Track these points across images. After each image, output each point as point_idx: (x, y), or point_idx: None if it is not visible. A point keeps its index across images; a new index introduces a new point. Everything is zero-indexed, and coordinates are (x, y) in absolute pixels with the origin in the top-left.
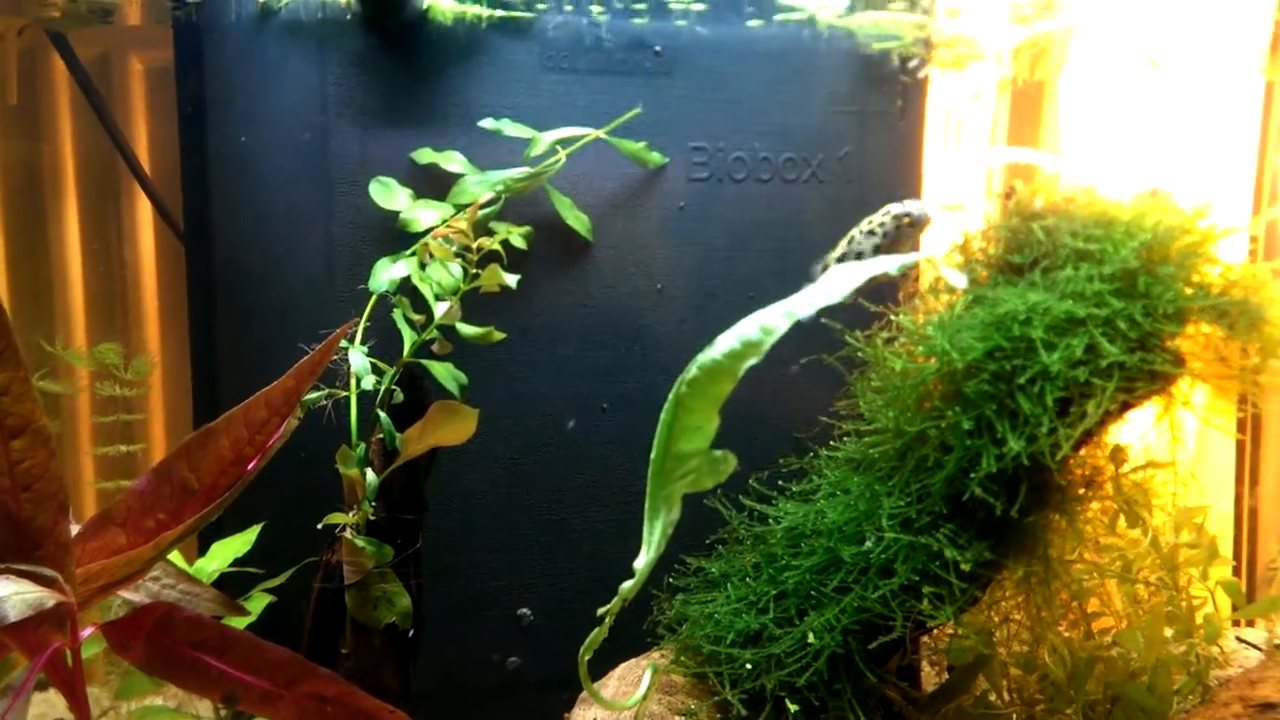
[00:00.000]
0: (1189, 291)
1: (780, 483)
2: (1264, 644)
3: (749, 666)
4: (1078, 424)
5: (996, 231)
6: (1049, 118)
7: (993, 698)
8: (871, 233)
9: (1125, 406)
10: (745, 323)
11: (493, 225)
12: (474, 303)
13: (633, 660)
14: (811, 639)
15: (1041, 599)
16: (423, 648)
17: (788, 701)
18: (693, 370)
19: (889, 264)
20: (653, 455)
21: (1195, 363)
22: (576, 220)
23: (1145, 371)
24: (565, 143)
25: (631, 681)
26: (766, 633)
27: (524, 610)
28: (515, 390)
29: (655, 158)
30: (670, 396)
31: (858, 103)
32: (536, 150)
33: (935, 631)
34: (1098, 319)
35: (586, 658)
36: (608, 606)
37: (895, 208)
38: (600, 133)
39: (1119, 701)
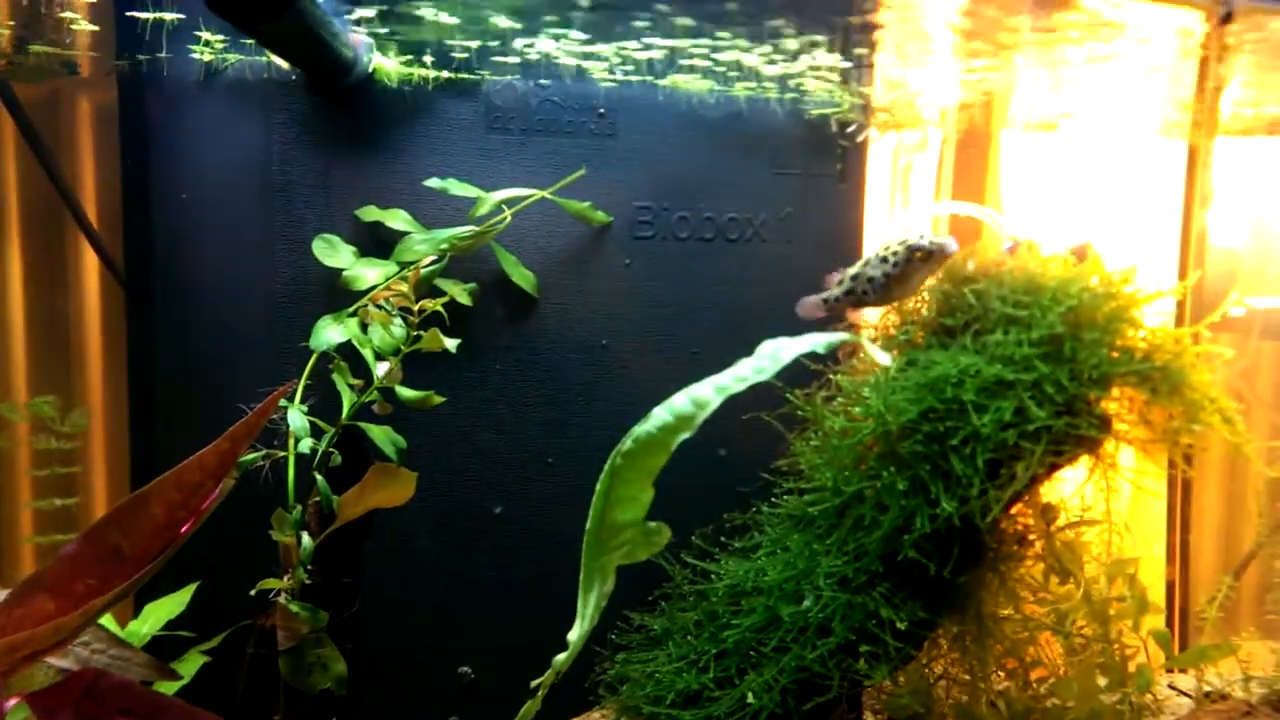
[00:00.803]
0: (1113, 356)
1: (723, 539)
2: (1194, 692)
3: None
4: (1007, 486)
5: (930, 294)
6: (995, 168)
7: None
8: (884, 259)
9: (1053, 468)
10: (678, 396)
11: (438, 282)
12: (418, 359)
13: None
14: (750, 699)
15: (975, 656)
16: (362, 708)
17: None
18: (627, 443)
19: (818, 341)
20: (588, 526)
21: (1121, 425)
22: (522, 277)
23: (1071, 435)
24: (511, 202)
25: None
26: (706, 693)
27: (464, 669)
28: (460, 445)
29: (600, 216)
30: (605, 468)
31: (798, 165)
32: (482, 210)
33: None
34: (1026, 383)
35: None
36: (540, 679)
37: (913, 238)
38: (545, 193)
39: None
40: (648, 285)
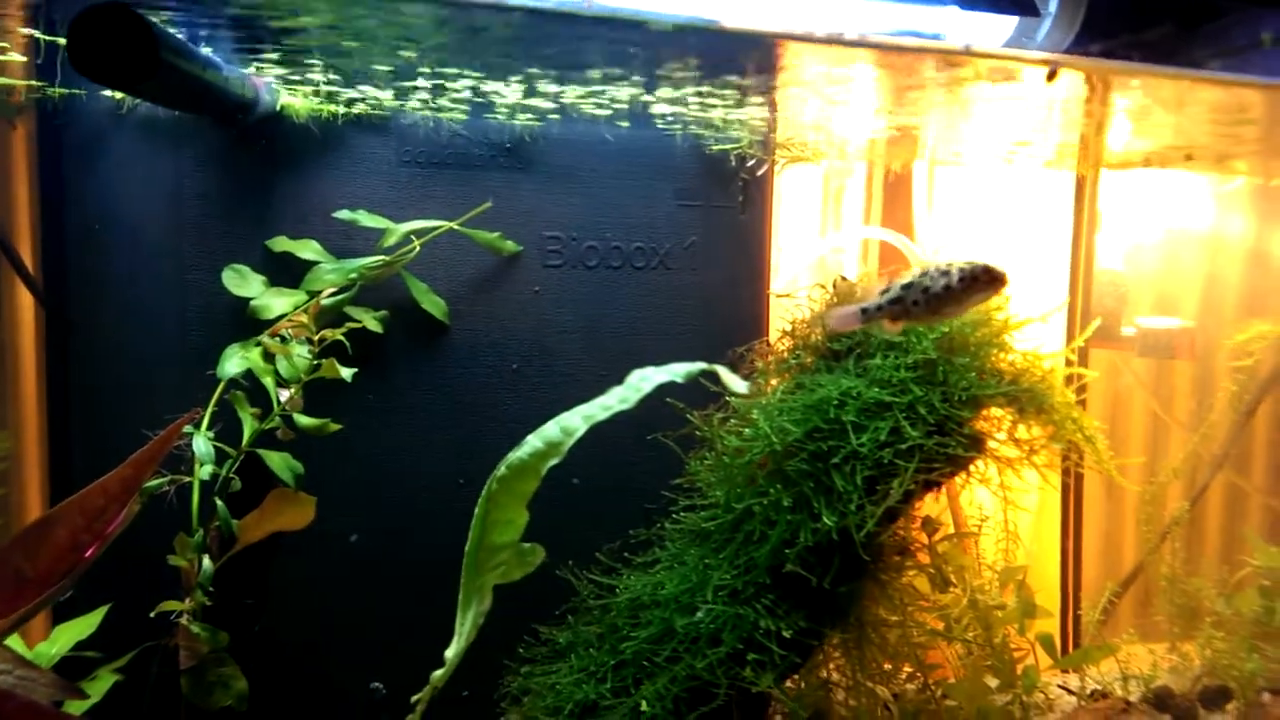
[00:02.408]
0: (982, 379)
1: (626, 554)
2: (1079, 691)
3: None
4: (882, 501)
5: (821, 319)
6: (910, 197)
7: None
8: (946, 273)
9: (928, 485)
10: (549, 425)
11: (349, 310)
12: (331, 386)
13: None
14: (644, 707)
15: (856, 661)
16: None
17: None
18: (502, 469)
19: (677, 370)
20: (467, 548)
21: (992, 442)
22: (433, 305)
23: (941, 453)
24: (420, 233)
25: None
26: (603, 702)
27: (376, 684)
28: (372, 468)
29: (510, 246)
30: (483, 492)
31: (701, 198)
32: (390, 240)
33: (790, 688)
34: (902, 404)
35: None
36: (420, 694)
37: (985, 260)
38: (454, 224)
39: None
40: (557, 312)
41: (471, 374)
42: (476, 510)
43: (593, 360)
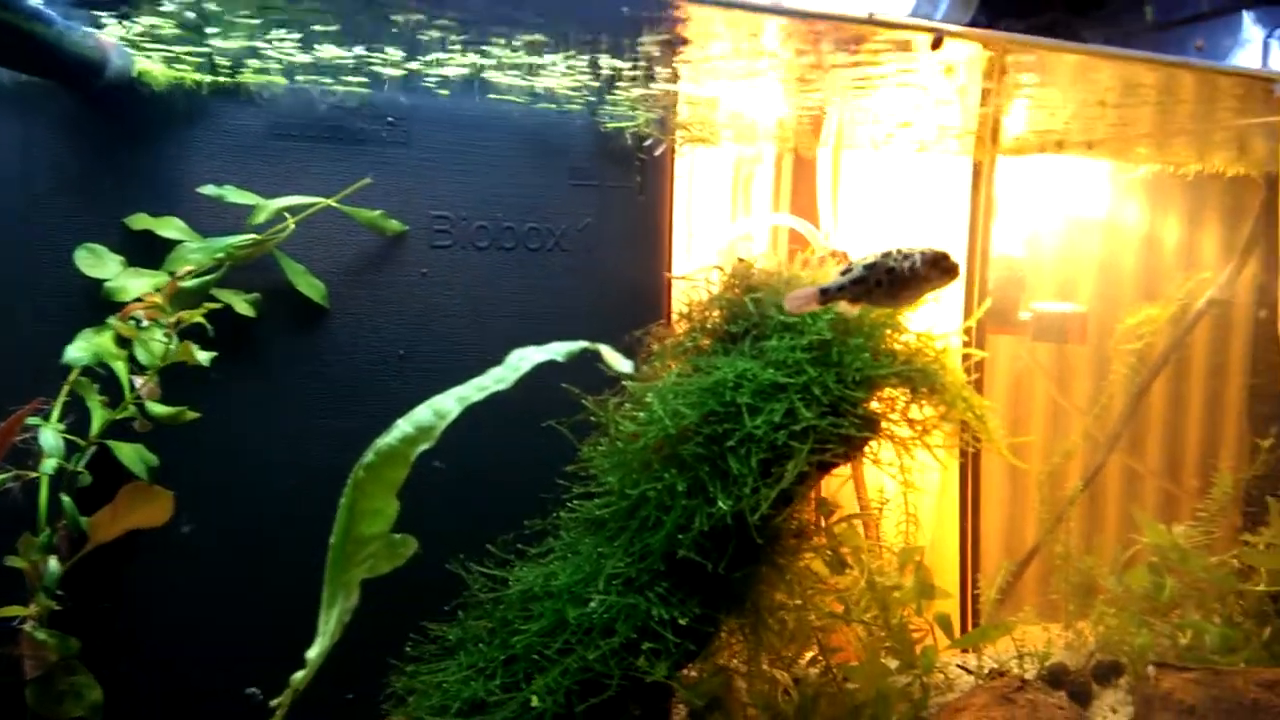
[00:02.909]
0: (876, 359)
1: (519, 546)
2: (977, 670)
3: None
4: (777, 484)
5: (717, 302)
6: (814, 182)
7: None
8: (908, 256)
9: (822, 466)
10: (420, 408)
11: (215, 293)
12: (199, 372)
13: None
14: (535, 701)
15: (754, 646)
16: None
17: None
18: (369, 455)
19: (558, 350)
20: (332, 541)
21: (886, 423)
22: (310, 287)
23: (835, 434)
24: (295, 210)
25: None
26: (492, 699)
27: (253, 690)
28: (245, 460)
29: (393, 225)
30: (349, 481)
31: (596, 177)
32: (261, 217)
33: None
34: (796, 386)
35: None
36: (279, 699)
37: (924, 250)
38: (330, 200)
39: None
40: (446, 295)
41: (354, 360)
42: (342, 500)
43: (484, 345)
